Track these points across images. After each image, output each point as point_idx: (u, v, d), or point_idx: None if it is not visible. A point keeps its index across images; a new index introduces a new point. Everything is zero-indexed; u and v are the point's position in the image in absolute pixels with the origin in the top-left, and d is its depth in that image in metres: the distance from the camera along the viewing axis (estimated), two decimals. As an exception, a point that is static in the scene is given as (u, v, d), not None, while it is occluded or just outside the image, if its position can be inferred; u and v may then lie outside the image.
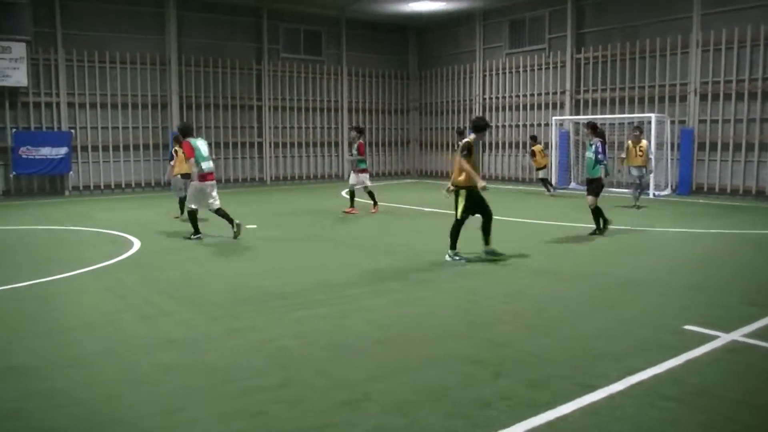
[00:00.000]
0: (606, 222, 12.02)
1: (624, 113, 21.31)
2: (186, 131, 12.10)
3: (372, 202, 15.68)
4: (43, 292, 8.05)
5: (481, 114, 26.71)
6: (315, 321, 6.69)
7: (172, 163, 15.22)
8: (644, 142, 16.30)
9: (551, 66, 24.07)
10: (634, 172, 16.24)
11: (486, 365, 5.32)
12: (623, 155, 16.56)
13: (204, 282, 8.60)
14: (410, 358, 5.55)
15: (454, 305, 7.29)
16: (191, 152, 11.55)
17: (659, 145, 19.70)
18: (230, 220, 11.79)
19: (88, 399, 4.72)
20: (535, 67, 24.63)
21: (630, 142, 16.36)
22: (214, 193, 11.97)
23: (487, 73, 26.51)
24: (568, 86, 23.39)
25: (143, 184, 23.23)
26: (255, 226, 13.36)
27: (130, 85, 22.72)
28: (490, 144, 26.48)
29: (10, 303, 7.59)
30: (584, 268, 9.26)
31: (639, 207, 15.95)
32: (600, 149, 12.08)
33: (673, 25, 20.28)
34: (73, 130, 21.61)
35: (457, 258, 9.67)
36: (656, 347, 5.72)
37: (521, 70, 25.17)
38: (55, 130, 21.38)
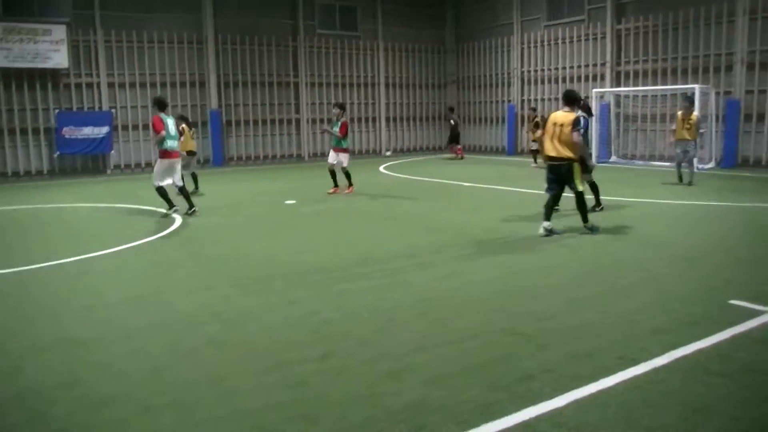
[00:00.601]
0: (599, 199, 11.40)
1: (666, 85, 20.80)
2: (161, 104, 12.19)
3: (347, 183, 14.96)
4: (88, 267, 8.23)
5: (518, 87, 26.37)
6: (356, 294, 6.72)
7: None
8: (695, 115, 15.08)
9: (591, 37, 23.55)
10: (680, 146, 15.01)
11: (528, 338, 5.29)
12: (673, 127, 15.50)
13: (245, 257, 8.70)
14: (452, 330, 5.55)
15: (494, 279, 7.25)
16: (161, 126, 11.67)
17: (703, 118, 19.19)
18: (170, 202, 11.96)
19: (135, 370, 4.83)
20: (574, 39, 24.15)
21: (679, 113, 15.13)
22: (179, 168, 12.12)
23: (525, 46, 26.09)
24: (608, 58, 22.89)
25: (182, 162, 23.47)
26: (294, 202, 13.44)
27: (168, 64, 22.94)
28: (529, 118, 26.11)
29: (57, 278, 7.77)
30: (624, 242, 9.11)
31: (689, 184, 14.90)
32: (582, 122, 10.44)
33: (717, -7, 19.66)
34: (113, 110, 21.94)
35: (557, 232, 9.44)
36: (701, 322, 5.62)
37: (560, 42, 24.70)
38: (96, 110, 21.72)
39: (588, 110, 11.47)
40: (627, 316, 5.83)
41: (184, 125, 15.15)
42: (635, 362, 4.72)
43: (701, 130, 15.82)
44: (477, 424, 3.84)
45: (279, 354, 5.05)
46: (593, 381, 4.42)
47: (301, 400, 4.24)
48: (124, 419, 4.02)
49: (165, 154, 11.83)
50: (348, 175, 14.93)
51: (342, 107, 15.30)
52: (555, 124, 9.60)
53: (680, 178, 15.24)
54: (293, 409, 4.11)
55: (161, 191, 11.91)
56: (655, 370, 4.60)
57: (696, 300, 6.28)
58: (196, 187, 15.60)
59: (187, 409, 4.14)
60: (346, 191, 14.90)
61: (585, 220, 9.68)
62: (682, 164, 15.25)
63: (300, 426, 3.87)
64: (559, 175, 9.56)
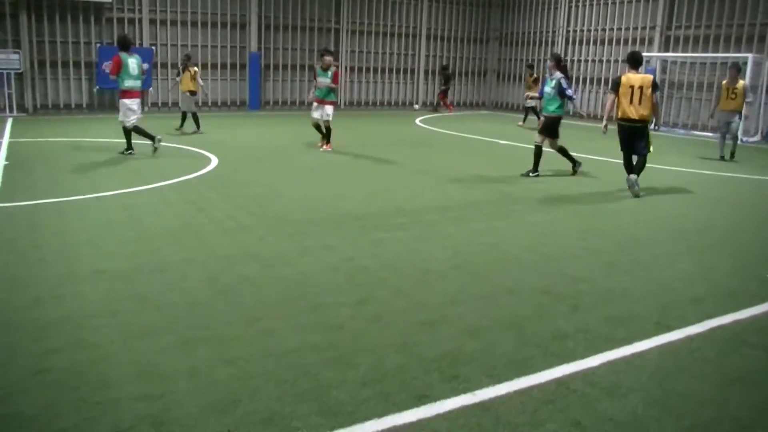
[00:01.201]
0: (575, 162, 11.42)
1: (718, 52, 20.15)
2: (123, 44, 12.11)
3: (325, 138, 13.69)
4: (126, 202, 8.34)
5: (563, 46, 25.78)
6: (392, 243, 6.73)
7: (178, 79, 16.43)
8: (741, 83, 14.03)
9: (642, -1, 22.85)
10: (723, 117, 14.15)
11: (563, 298, 5.27)
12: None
13: (280, 200, 8.75)
14: (486, 284, 5.55)
15: (530, 238, 7.19)
16: (117, 68, 11.70)
17: (753, 89, 18.61)
18: (151, 137, 12.12)
19: (172, 303, 4.91)
20: (626, 0, 23.43)
21: (725, 82, 14.32)
22: (136, 108, 12.04)
23: (574, 4, 25.40)
24: (658, 21, 22.20)
25: (219, 103, 23.55)
26: (330, 150, 13.41)
27: (211, 3, 22.77)
28: (573, 79, 25.62)
29: (96, 210, 7.90)
30: (663, 211, 8.96)
31: (731, 157, 14.09)
32: (565, 84, 10.83)
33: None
34: (154, 47, 21.93)
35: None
36: (738, 294, 5.55)
37: (610, 2, 23.99)
38: (137, 46, 21.72)
39: (565, 70, 11.29)
40: (664, 283, 5.77)
41: (189, 66, 15.89)
42: (671, 329, 4.70)
43: (748, 99, 14.70)
44: (510, 378, 3.85)
45: (315, 297, 5.10)
46: (627, 344, 4.40)
47: (337, 343, 4.29)
48: (163, 350, 4.10)
49: (124, 93, 11.94)
50: (329, 130, 13.59)
51: (332, 54, 14.20)
52: (633, 86, 9.68)
53: (722, 156, 14.16)
54: (329, 351, 4.15)
55: (134, 130, 12.05)
56: (690, 338, 4.57)
57: (735, 272, 6.19)
58: (197, 127, 15.96)
59: (224, 345, 4.20)
60: (325, 147, 13.56)
61: (638, 175, 9.74)
62: (726, 137, 14.26)
63: (336, 368, 3.92)
64: (633, 136, 9.75)
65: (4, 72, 19.25)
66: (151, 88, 21.86)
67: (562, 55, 25.43)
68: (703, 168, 12.49)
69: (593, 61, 24.79)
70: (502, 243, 6.95)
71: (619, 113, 9.86)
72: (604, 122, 10.13)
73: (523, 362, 4.08)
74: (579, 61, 25.20)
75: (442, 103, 25.92)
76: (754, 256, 6.88)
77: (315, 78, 13.71)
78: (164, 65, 22.45)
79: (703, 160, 13.43)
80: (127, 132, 12.05)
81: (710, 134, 19.14)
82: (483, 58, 29.12)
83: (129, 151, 12.06)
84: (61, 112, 20.63)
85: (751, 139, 18.63)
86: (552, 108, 11.03)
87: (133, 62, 11.94)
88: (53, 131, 15.42)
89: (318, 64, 13.91)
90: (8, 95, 19.45)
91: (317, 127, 13.79)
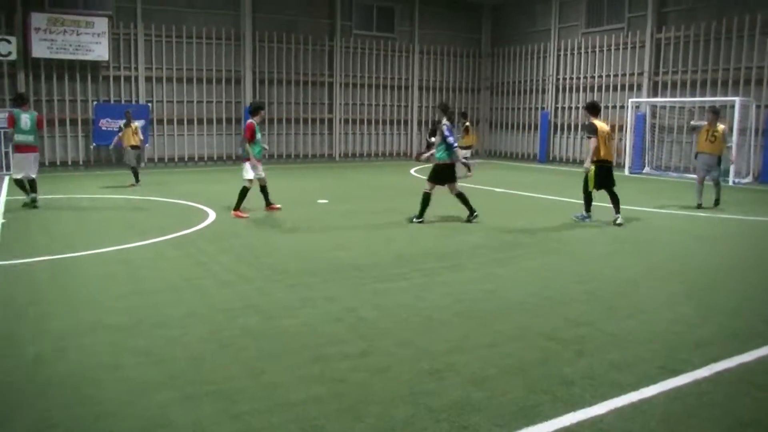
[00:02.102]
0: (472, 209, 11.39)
1: (705, 96, 20.51)
2: (18, 101, 12.59)
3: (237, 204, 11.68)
4: (126, 257, 8.34)
5: (553, 94, 26.19)
6: (393, 293, 6.73)
7: (120, 134, 16.82)
8: (721, 127, 13.32)
9: (629, 46, 23.33)
10: (702, 159, 13.30)
11: (566, 343, 5.24)
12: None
13: (280, 252, 8.75)
14: (490, 331, 5.53)
15: (530, 283, 7.20)
16: (11, 123, 12.14)
17: (742, 131, 18.92)
18: (27, 192, 12.22)
19: (175, 357, 4.88)
20: (612, 48, 23.92)
21: (705, 124, 13.68)
22: (33, 165, 12.29)
23: (562, 53, 25.92)
24: (646, 67, 22.65)
25: (215, 158, 23.73)
26: (326, 201, 13.47)
27: (206, 60, 23.16)
28: (563, 126, 25.99)
29: (96, 266, 7.88)
30: (661, 253, 9.00)
31: (716, 204, 13.26)
32: (447, 132, 10.82)
33: (764, 2, 19.30)
34: (150, 104, 22.21)
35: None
36: (741, 335, 5.54)
37: (597, 50, 24.50)
38: (134, 103, 22.00)
39: (451, 118, 11.84)
40: (666, 326, 5.75)
41: (132, 122, 16.40)
42: (676, 373, 4.66)
43: (728, 144, 13.81)
44: (519, 427, 3.81)
45: (318, 349, 5.06)
46: (634, 390, 4.37)
47: (343, 395, 4.24)
48: (167, 405, 4.05)
49: (17, 147, 12.32)
50: (242, 194, 11.59)
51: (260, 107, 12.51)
52: (606, 132, 11.36)
53: (700, 204, 13.15)
54: (334, 404, 4.11)
55: (18, 183, 12.33)
56: (698, 382, 4.54)
57: (736, 313, 6.18)
58: (136, 180, 16.39)
59: (228, 399, 4.16)
60: (242, 215, 11.50)
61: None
62: (705, 181, 13.34)
63: (343, 421, 3.87)
64: (609, 175, 11.18)
65: (2, 131, 19.42)
66: (147, 144, 22.07)
67: (551, 102, 25.95)
68: (697, 210, 12.57)
69: (583, 107, 25.10)
70: (505, 289, 6.96)
71: (601, 155, 11.05)
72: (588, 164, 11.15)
73: (531, 410, 4.04)
74: (570, 108, 25.59)
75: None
76: (755, 295, 6.88)
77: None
78: (160, 121, 22.69)
79: (692, 202, 13.48)
80: (19, 183, 12.40)
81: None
82: (475, 108, 29.53)
83: (32, 202, 12.20)
84: (59, 169, 20.75)
85: (744, 181, 18.81)
86: (439, 155, 11.08)
87: (25, 117, 12.24)
88: (51, 188, 15.46)
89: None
90: (5, 154, 19.57)
91: (262, 189, 12.20)
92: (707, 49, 20.90)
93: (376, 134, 27.06)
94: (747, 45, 19.83)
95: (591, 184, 11.06)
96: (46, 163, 20.86)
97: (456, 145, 11.06)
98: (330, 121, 25.90)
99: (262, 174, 11.89)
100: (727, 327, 5.76)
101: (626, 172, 21.62)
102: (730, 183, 18.23)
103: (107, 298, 6.47)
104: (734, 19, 20.03)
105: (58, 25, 20.15)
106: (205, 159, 23.55)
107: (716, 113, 13.48)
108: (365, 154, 26.83)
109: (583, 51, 25.10)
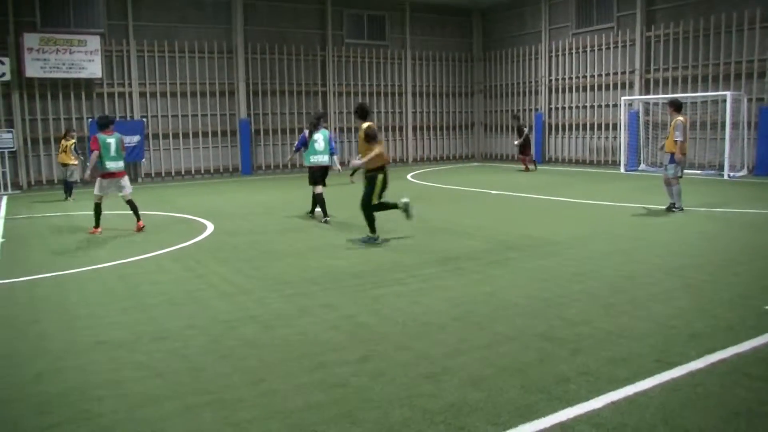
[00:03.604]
0: (314, 210, 12.51)
1: (697, 92, 20.62)
2: (103, 126, 12.00)
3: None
4: (125, 272, 8.38)
5: (546, 95, 26.30)
6: (391, 299, 6.77)
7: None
8: (677, 119, 12.04)
9: (620, 45, 23.45)
10: (662, 157, 12.38)
11: (563, 342, 5.29)
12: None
13: (278, 262, 8.79)
14: (487, 334, 5.57)
15: (527, 285, 7.24)
16: (95, 146, 11.81)
17: (735, 125, 19.02)
18: (99, 218, 11.94)
19: (175, 369, 4.92)
20: (603, 47, 24.04)
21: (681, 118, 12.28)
22: (126, 184, 12.03)
23: (553, 54, 26.03)
24: (637, 65, 22.76)
25: (212, 170, 23.80)
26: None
27: (199, 73, 23.26)
28: (557, 126, 26.09)
29: (94, 282, 7.92)
30: (658, 249, 9.05)
31: (667, 209, 12.29)
32: (330, 136, 12.43)
33: (750, -2, 19.44)
34: (145, 119, 22.29)
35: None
36: (737, 327, 5.58)
37: (588, 50, 24.62)
38: (128, 119, 22.08)
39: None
40: (663, 321, 5.80)
41: (67, 138, 16.82)
42: (672, 365, 4.71)
43: (677, 139, 11.94)
44: (515, 425, 3.86)
45: (317, 356, 5.11)
46: (630, 383, 4.42)
47: (341, 401, 4.29)
48: (167, 417, 4.10)
49: (105, 174, 11.79)
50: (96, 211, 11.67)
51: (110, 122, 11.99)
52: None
53: (672, 204, 12.32)
54: (333, 409, 4.15)
55: (97, 208, 11.88)
56: (692, 374, 4.59)
57: (732, 306, 6.23)
58: (67, 195, 16.85)
59: (228, 408, 4.20)
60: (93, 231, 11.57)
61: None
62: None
63: (341, 426, 3.91)
64: None
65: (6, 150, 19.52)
66: (144, 159, 22.14)
67: (544, 103, 26.07)
68: (693, 205, 12.63)
69: (577, 107, 25.27)
70: (501, 291, 6.99)
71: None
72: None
73: (527, 408, 4.08)
74: (563, 108, 25.69)
75: (523, 164, 23.22)
76: (750, 288, 6.92)
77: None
78: (156, 136, 22.77)
79: (693, 197, 13.56)
80: (97, 209, 12.09)
81: (699, 171, 19.47)
82: (469, 111, 29.64)
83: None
84: (55, 187, 20.74)
85: (738, 174, 18.89)
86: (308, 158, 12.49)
87: (112, 141, 11.95)
88: (48, 207, 15.52)
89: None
90: (2, 173, 19.64)
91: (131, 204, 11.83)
92: (697, 46, 21.02)
93: (371, 141, 27.08)
94: (736, 40, 19.94)
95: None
96: (44, 181, 20.95)
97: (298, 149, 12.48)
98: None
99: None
100: (723, 319, 5.81)
101: (622, 169, 21.73)
102: (725, 177, 18.32)
103: (107, 313, 6.51)
104: (722, 15, 20.14)
105: (51, 45, 20.24)
106: (202, 172, 23.62)
107: (672, 106, 12.37)
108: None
109: (574, 51, 25.21)
